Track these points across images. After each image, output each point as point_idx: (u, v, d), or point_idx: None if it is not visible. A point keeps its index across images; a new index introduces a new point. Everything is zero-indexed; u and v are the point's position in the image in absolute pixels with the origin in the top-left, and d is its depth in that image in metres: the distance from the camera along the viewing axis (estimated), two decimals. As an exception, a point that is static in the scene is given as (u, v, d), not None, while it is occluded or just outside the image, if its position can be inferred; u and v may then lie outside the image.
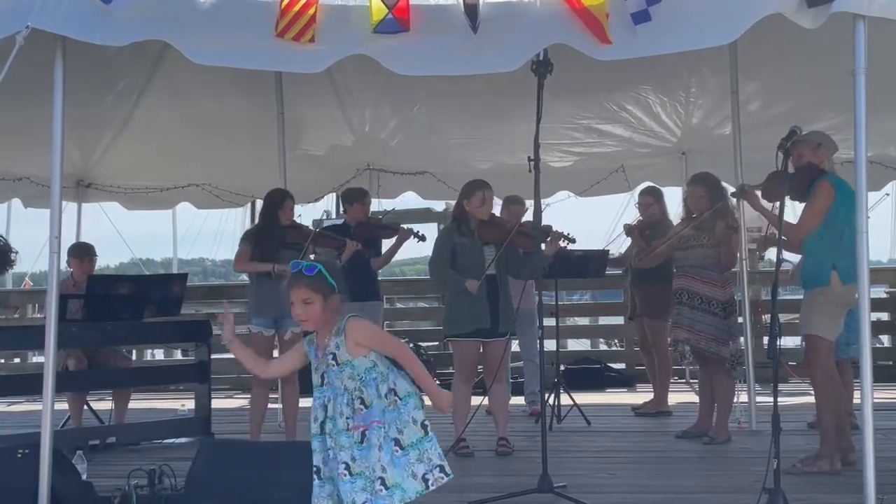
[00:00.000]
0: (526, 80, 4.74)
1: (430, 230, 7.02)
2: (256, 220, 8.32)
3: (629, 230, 7.36)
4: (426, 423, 3.46)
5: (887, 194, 9.88)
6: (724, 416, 6.31)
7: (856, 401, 6.08)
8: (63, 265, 6.92)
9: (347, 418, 3.44)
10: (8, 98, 4.46)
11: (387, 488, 3.36)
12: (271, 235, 6.16)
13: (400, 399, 3.46)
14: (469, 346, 6.02)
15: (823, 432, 5.27)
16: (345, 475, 3.40)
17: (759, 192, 5.69)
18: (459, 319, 5.98)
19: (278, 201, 6.22)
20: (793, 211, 5.64)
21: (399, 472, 3.38)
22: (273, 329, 6.15)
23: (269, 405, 6.54)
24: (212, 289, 12.21)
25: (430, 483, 3.40)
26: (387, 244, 7.31)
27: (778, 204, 5.70)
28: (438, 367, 9.68)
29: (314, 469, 3.51)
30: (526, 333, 7.34)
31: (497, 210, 6.49)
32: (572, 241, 6.34)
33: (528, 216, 6.44)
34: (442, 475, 3.42)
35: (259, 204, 8.54)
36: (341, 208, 8.39)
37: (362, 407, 3.43)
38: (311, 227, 6.61)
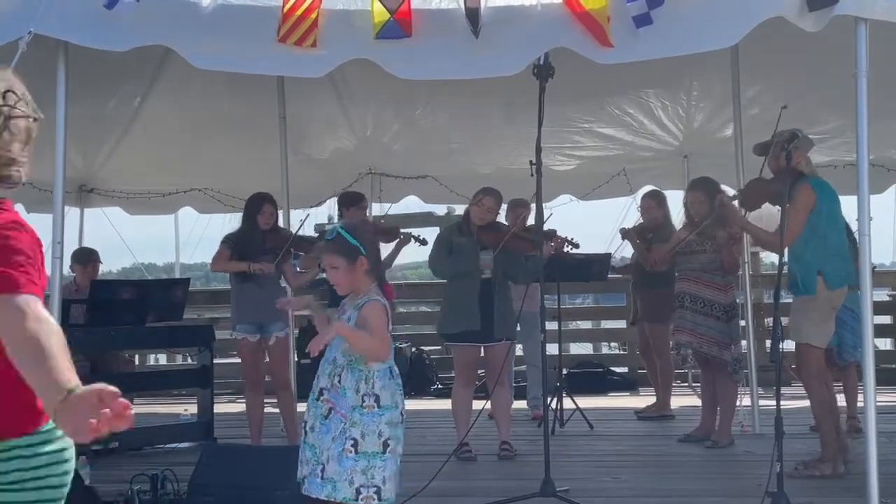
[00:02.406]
0: (527, 83, 4.74)
1: (432, 234, 6.99)
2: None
3: (626, 234, 7.35)
4: (390, 442, 3.39)
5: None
6: (727, 420, 6.30)
7: (859, 404, 6.10)
8: (66, 270, 6.93)
9: (323, 388, 3.44)
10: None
11: (322, 478, 3.33)
12: (250, 239, 6.17)
13: (378, 407, 3.40)
14: (467, 350, 6.02)
15: (823, 436, 5.26)
16: (306, 434, 3.45)
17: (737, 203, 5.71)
18: (450, 319, 6.00)
19: (257, 206, 6.22)
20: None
21: (339, 470, 3.32)
22: (258, 334, 6.13)
23: (270, 409, 6.53)
24: (214, 293, 12.20)
25: (360, 497, 3.32)
26: (386, 248, 7.28)
27: (755, 213, 5.73)
28: (440, 371, 9.70)
29: (306, 426, 3.54)
30: (529, 337, 7.34)
31: (502, 212, 6.49)
32: (576, 246, 6.34)
33: (530, 220, 6.47)
34: (374, 496, 3.33)
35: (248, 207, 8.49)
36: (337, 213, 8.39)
37: (339, 385, 3.40)
38: (290, 231, 6.60)
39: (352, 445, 3.33)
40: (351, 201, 6.91)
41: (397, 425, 3.42)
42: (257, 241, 6.14)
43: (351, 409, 3.37)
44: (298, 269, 6.52)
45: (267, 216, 6.20)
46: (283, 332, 6.16)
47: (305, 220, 7.10)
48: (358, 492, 3.31)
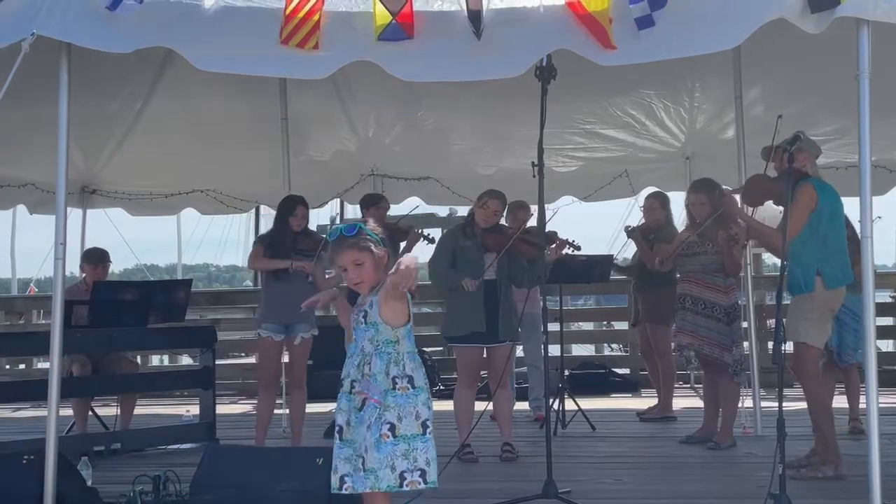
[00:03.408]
0: (530, 85, 4.74)
1: (434, 236, 7.05)
2: (260, 226, 8.36)
3: (630, 232, 7.35)
4: (428, 423, 3.34)
5: (879, 217, 9.70)
6: (729, 421, 6.29)
7: (861, 405, 6.10)
8: (76, 270, 6.96)
9: (353, 381, 3.40)
10: (13, 104, 4.46)
11: (364, 470, 3.26)
12: (283, 241, 6.20)
13: (413, 388, 3.35)
14: (470, 351, 6.02)
15: (824, 438, 5.25)
16: (337, 438, 3.39)
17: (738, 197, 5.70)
18: (455, 322, 5.99)
19: (290, 208, 6.27)
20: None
21: (379, 458, 3.25)
22: (283, 334, 6.16)
23: (275, 410, 6.53)
24: (216, 294, 12.23)
25: (404, 483, 3.24)
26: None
27: (757, 209, 5.74)
28: (442, 372, 9.70)
29: (336, 428, 3.43)
30: (530, 339, 7.34)
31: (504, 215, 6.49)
32: (577, 248, 6.34)
33: (532, 222, 6.47)
34: (420, 480, 3.25)
35: (263, 209, 8.54)
36: (347, 214, 8.46)
37: (370, 373, 3.36)
38: (321, 235, 6.63)
39: (389, 430, 3.27)
40: (371, 202, 7.06)
41: (430, 407, 3.37)
42: (289, 243, 6.16)
43: (383, 393, 3.32)
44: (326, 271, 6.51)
45: (299, 218, 6.24)
46: (309, 333, 6.18)
47: (335, 220, 7.19)
48: (402, 477, 3.25)
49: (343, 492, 3.34)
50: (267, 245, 6.27)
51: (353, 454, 3.32)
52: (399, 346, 3.40)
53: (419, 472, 3.25)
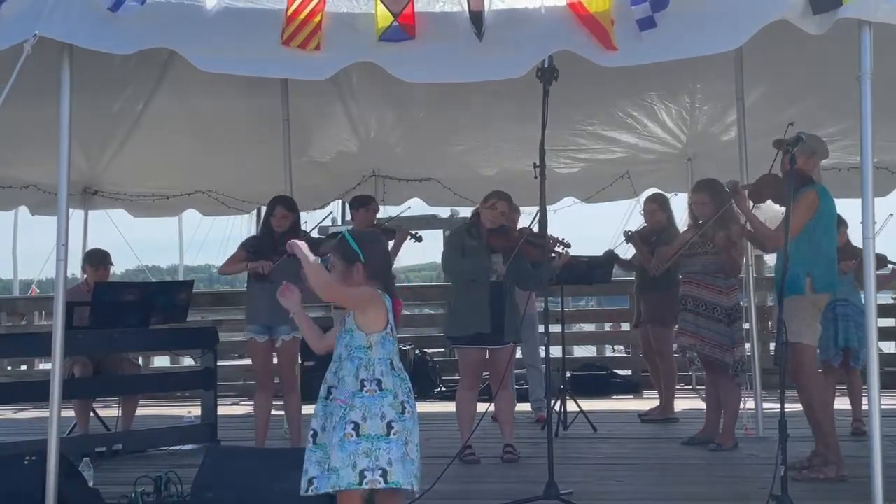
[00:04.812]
0: (532, 86, 4.74)
1: (436, 237, 7.06)
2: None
3: (630, 237, 7.34)
4: (394, 424, 3.36)
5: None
6: (731, 423, 6.29)
7: (864, 407, 6.09)
8: (78, 272, 6.96)
9: (330, 387, 3.50)
10: (15, 105, 4.47)
11: (327, 469, 3.32)
12: (263, 242, 6.21)
13: (380, 390, 3.41)
14: (473, 352, 6.02)
15: (824, 439, 5.25)
16: (310, 442, 3.46)
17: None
18: (460, 323, 5.99)
19: (270, 209, 6.28)
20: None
21: (342, 456, 3.29)
22: (266, 335, 6.15)
23: (275, 412, 6.53)
24: (218, 295, 12.22)
25: (364, 481, 3.27)
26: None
27: (762, 205, 5.76)
28: (444, 374, 9.71)
29: (311, 432, 3.50)
30: (528, 340, 7.33)
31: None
32: (567, 245, 6.32)
33: (526, 222, 6.46)
34: (381, 479, 3.27)
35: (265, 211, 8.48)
36: (348, 215, 8.46)
37: (342, 377, 3.47)
38: (305, 234, 6.63)
39: (353, 429, 3.32)
40: (360, 203, 7.05)
41: (401, 412, 3.41)
42: (270, 245, 6.17)
43: (351, 394, 3.39)
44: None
45: (279, 218, 6.23)
46: (290, 335, 6.16)
47: (336, 221, 7.18)
48: (362, 475, 3.28)
49: (309, 493, 3.42)
50: (249, 247, 6.27)
51: (324, 457, 3.39)
52: (371, 352, 3.48)
53: (380, 472, 3.28)
